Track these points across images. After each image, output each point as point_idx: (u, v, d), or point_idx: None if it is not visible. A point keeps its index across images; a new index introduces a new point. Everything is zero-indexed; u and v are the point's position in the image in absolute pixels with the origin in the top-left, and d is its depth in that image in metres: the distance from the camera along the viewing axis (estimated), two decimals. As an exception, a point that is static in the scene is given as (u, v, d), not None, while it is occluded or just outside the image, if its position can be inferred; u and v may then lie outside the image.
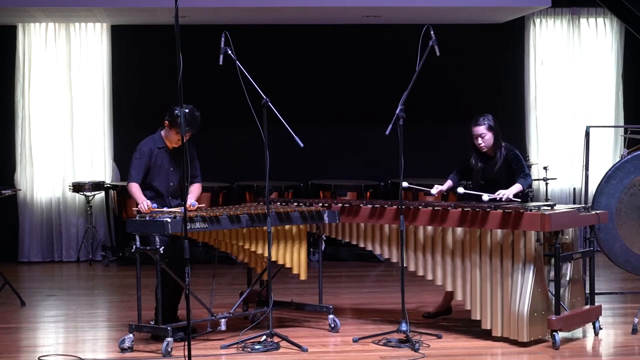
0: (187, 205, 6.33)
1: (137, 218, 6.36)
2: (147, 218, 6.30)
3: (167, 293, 6.62)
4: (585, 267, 7.20)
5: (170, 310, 6.75)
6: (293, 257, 6.98)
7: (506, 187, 6.88)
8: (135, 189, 6.71)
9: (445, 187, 7.22)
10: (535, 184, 11.11)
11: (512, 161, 7.01)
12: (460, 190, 7.00)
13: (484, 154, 7.11)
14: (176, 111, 6.52)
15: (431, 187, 7.22)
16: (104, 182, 10.81)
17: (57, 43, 10.94)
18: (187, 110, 6.54)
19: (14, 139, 10.93)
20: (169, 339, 6.22)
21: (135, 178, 6.74)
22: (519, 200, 6.90)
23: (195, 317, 6.79)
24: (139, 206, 6.60)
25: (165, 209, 6.67)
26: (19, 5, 9.81)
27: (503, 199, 6.76)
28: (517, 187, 6.89)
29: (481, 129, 7.02)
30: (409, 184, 7.05)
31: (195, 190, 6.89)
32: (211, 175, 10.35)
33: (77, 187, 10.63)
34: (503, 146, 7.06)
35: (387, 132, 6.67)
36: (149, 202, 6.62)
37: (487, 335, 6.58)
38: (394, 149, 6.68)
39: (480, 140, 7.04)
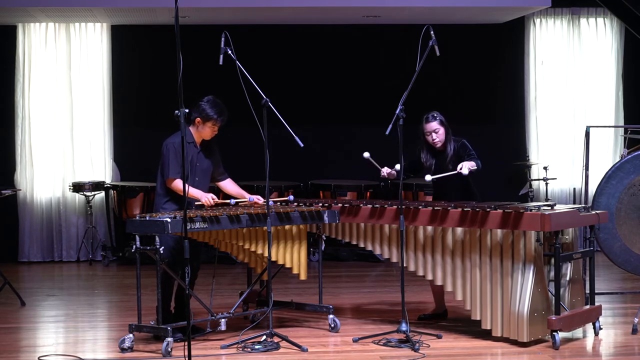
0: (253, 201, 6.75)
1: (137, 218, 6.36)
2: (147, 218, 6.30)
3: (172, 292, 6.66)
4: (585, 267, 7.20)
5: (179, 308, 6.77)
6: (293, 257, 6.98)
7: (455, 183, 6.96)
8: (182, 184, 6.34)
9: (391, 170, 7.17)
10: (535, 184, 11.11)
11: (462, 150, 7.05)
12: (428, 177, 7.01)
13: (434, 150, 7.13)
14: (203, 105, 6.65)
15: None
16: (104, 182, 10.81)
17: (57, 43, 10.93)
18: (210, 100, 6.71)
19: (14, 139, 10.92)
20: (169, 339, 6.21)
21: (177, 173, 6.56)
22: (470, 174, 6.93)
23: (195, 317, 6.81)
24: (202, 201, 6.57)
25: (232, 201, 6.80)
26: (19, 5, 9.80)
27: (463, 171, 6.81)
28: (471, 163, 6.94)
29: (435, 125, 7.05)
30: (369, 155, 7.11)
31: (234, 185, 7.02)
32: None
33: (77, 187, 10.63)
34: (452, 139, 7.11)
35: (387, 132, 6.68)
36: (211, 194, 6.63)
37: (487, 335, 6.58)
38: (394, 149, 6.68)
39: (434, 136, 7.07)
